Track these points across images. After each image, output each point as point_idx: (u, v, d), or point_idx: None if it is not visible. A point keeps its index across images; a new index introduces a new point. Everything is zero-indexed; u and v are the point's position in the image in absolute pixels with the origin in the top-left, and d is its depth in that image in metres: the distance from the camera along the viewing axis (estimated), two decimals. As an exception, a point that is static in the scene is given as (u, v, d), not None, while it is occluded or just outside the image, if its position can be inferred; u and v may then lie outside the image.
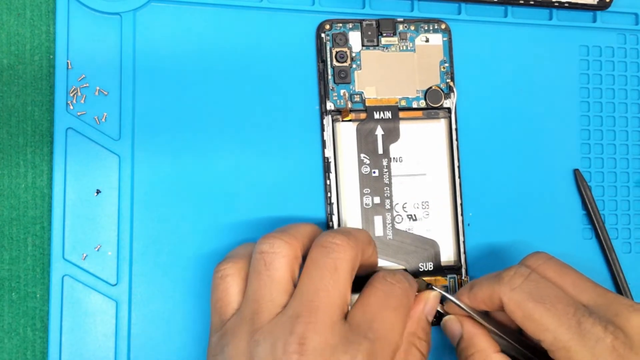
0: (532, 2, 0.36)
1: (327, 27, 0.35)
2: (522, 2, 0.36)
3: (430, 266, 0.34)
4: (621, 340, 0.26)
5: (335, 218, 0.34)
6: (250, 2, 0.34)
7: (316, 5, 0.35)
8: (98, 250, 0.32)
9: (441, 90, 0.35)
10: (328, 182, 0.34)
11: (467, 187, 0.36)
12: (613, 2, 0.38)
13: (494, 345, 0.29)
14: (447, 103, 0.35)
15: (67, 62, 0.33)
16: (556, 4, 0.37)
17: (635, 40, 0.39)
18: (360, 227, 0.34)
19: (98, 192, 0.33)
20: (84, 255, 0.32)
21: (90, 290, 0.32)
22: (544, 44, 0.38)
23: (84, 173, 0.32)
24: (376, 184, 0.34)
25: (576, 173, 0.37)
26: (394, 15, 0.36)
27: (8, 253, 0.32)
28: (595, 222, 0.37)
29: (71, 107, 0.33)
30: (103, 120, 0.33)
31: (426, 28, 0.36)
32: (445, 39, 0.36)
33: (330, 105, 0.34)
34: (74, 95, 0.33)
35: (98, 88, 0.33)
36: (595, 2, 0.37)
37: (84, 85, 0.33)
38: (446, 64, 0.36)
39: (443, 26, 0.36)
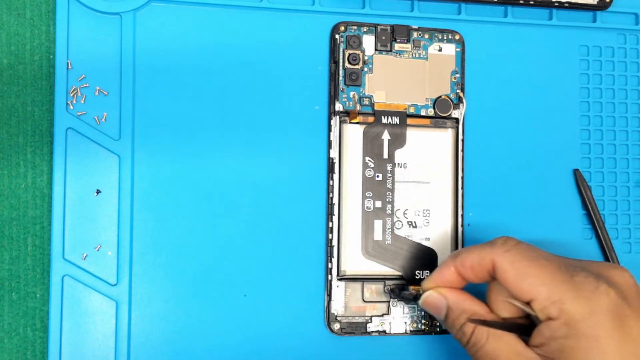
0: (532, 2, 0.36)
1: (342, 28, 0.35)
2: (522, 2, 0.36)
3: (426, 274, 0.34)
4: (615, 290, 0.26)
5: (335, 219, 0.34)
6: (250, 2, 0.34)
7: (316, 5, 0.35)
8: (98, 250, 0.32)
9: (450, 100, 0.35)
10: (331, 182, 0.34)
11: (467, 187, 0.36)
12: (613, 2, 0.38)
13: (486, 307, 0.29)
14: (455, 113, 0.35)
15: (67, 62, 0.33)
16: (556, 4, 0.37)
17: (635, 40, 0.39)
18: (359, 229, 0.34)
19: (98, 192, 0.33)
20: (84, 255, 0.32)
21: (90, 290, 0.32)
22: (544, 44, 0.38)
23: (84, 173, 0.32)
24: (379, 188, 0.34)
25: (576, 173, 0.37)
26: (393, 15, 0.36)
27: (8, 253, 0.32)
28: (595, 222, 0.37)
29: (71, 107, 0.33)
30: (103, 120, 0.33)
31: (440, 37, 0.36)
32: (458, 49, 0.36)
33: (339, 107, 0.34)
34: (74, 95, 0.33)
35: (98, 88, 0.33)
36: (595, 2, 0.37)
37: (84, 85, 0.33)
38: (457, 75, 0.36)
39: (457, 37, 0.36)
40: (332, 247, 0.34)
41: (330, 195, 0.34)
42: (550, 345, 0.26)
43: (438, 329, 0.35)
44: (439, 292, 0.30)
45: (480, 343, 0.28)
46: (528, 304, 0.27)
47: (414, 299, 0.31)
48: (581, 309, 0.25)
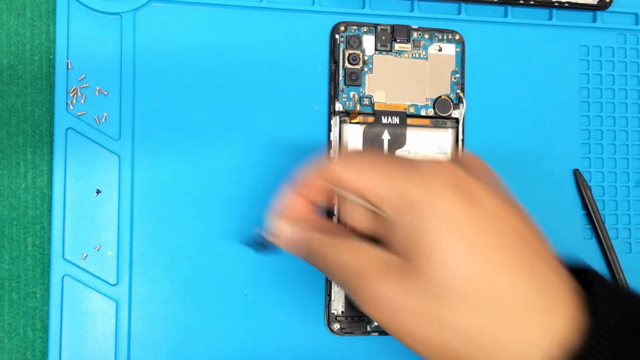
0: (532, 2, 0.36)
1: (342, 28, 0.35)
2: (522, 2, 0.36)
3: None
4: (454, 164, 0.25)
5: (334, 219, 0.34)
6: (250, 2, 0.34)
7: (316, 5, 0.35)
8: (98, 250, 0.32)
9: (450, 100, 0.35)
10: None
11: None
12: (613, 2, 0.38)
13: (341, 225, 0.27)
14: (455, 113, 0.35)
15: (67, 62, 0.33)
16: (556, 4, 0.37)
17: (635, 40, 0.39)
18: None
19: (98, 192, 0.33)
20: (84, 255, 0.32)
21: (90, 290, 0.32)
22: (544, 44, 0.38)
23: (84, 173, 0.32)
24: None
25: (576, 173, 0.37)
26: (393, 15, 0.36)
27: (8, 253, 0.32)
28: (595, 222, 0.37)
29: (71, 107, 0.33)
30: (103, 120, 0.33)
31: (440, 37, 0.36)
32: (458, 49, 0.36)
33: (339, 107, 0.34)
34: (74, 95, 0.33)
35: (98, 88, 0.33)
36: (595, 2, 0.37)
37: (84, 85, 0.33)
38: (457, 75, 0.36)
39: (457, 37, 0.36)
40: (332, 247, 0.34)
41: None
42: (403, 241, 0.24)
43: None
44: (288, 221, 0.28)
45: (338, 256, 0.26)
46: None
47: (268, 243, 0.29)
48: (425, 190, 0.24)
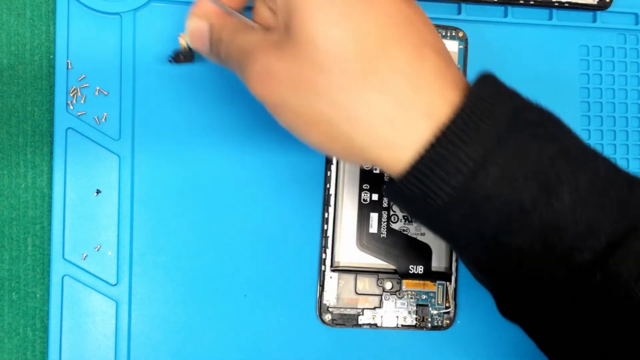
0: (532, 2, 0.36)
1: None
2: (522, 2, 0.36)
3: (420, 270, 0.34)
4: None
5: (331, 209, 0.34)
6: (250, 2, 0.34)
7: (316, 5, 0.35)
8: (98, 250, 0.32)
9: None
10: (329, 173, 0.34)
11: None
12: (613, 2, 0.38)
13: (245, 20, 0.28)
14: None
15: (67, 62, 0.33)
16: (556, 4, 0.37)
17: (635, 40, 0.39)
18: (355, 221, 0.34)
19: (98, 192, 0.33)
20: (84, 255, 0.32)
21: (90, 290, 0.32)
22: (544, 44, 0.38)
23: (84, 173, 0.32)
24: (376, 180, 0.34)
25: (576, 173, 0.37)
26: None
27: (8, 253, 0.32)
28: (595, 222, 0.37)
29: (71, 107, 0.33)
30: (103, 120, 0.33)
31: (444, 34, 0.36)
32: (461, 46, 0.36)
33: None
34: (74, 95, 0.33)
35: (98, 88, 0.33)
36: (595, 2, 0.37)
37: (84, 85, 0.33)
38: None
39: (460, 34, 0.36)
40: (326, 237, 0.34)
41: (328, 186, 0.34)
42: (284, 14, 0.24)
43: (429, 325, 0.35)
44: (195, 16, 0.28)
45: (233, 39, 0.26)
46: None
47: (188, 54, 0.30)
48: None
